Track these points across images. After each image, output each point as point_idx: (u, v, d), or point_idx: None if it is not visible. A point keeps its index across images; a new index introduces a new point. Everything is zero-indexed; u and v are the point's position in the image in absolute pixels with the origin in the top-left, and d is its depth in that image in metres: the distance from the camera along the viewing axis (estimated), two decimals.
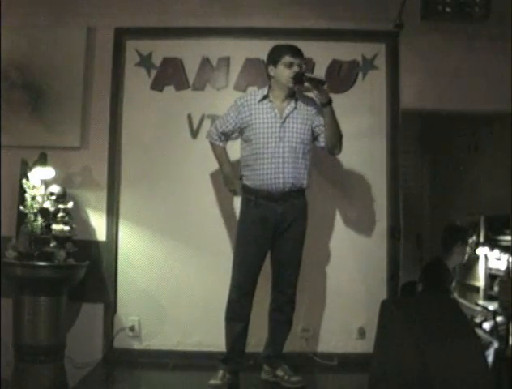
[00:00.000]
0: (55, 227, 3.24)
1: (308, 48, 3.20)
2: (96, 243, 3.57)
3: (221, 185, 3.34)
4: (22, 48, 3.60)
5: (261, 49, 3.35)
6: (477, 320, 3.67)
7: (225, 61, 3.65)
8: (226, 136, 3.13)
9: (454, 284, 4.03)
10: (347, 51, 3.65)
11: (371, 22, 3.63)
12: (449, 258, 3.94)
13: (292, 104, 3.00)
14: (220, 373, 2.95)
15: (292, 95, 3.01)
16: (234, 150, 3.20)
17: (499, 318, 3.45)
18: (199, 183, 3.60)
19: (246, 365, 3.11)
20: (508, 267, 3.91)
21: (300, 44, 3.02)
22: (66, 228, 3.26)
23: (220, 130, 3.11)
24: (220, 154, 3.16)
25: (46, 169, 3.32)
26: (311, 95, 3.03)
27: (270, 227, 2.96)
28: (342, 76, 3.64)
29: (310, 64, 3.57)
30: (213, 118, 3.51)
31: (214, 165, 3.41)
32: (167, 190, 3.61)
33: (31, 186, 3.26)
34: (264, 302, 3.09)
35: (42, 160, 3.33)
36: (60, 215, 3.26)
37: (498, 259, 4.20)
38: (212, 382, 2.91)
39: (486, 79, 3.62)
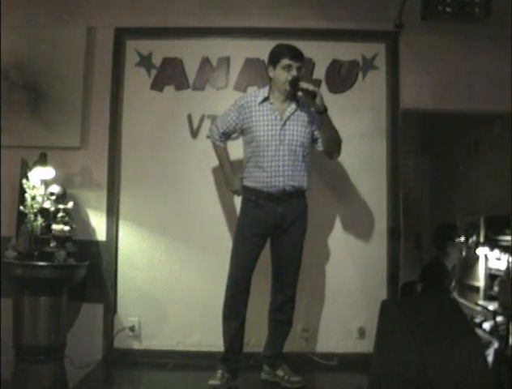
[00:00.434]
0: (55, 227, 3.24)
1: (308, 48, 3.20)
2: (96, 243, 3.57)
3: (221, 185, 3.34)
4: (22, 48, 3.60)
5: (261, 49, 3.35)
6: (477, 320, 3.67)
7: (225, 61, 3.65)
8: (226, 136, 3.13)
9: (453, 283, 4.04)
10: (347, 51, 3.65)
11: (371, 22, 3.62)
12: (443, 257, 3.95)
13: (293, 106, 2.99)
14: (219, 372, 2.94)
15: (293, 96, 2.99)
16: (234, 150, 3.20)
17: (499, 318, 3.45)
18: (199, 183, 3.60)
19: (246, 365, 3.11)
20: (508, 267, 3.91)
21: (301, 45, 3.01)
22: (66, 228, 3.26)
23: (221, 130, 3.10)
24: (221, 154, 3.15)
25: (46, 169, 3.32)
26: None
27: (269, 227, 2.96)
28: (342, 76, 3.64)
29: (310, 64, 3.57)
30: (213, 118, 3.51)
31: (214, 165, 3.41)
32: (167, 190, 3.61)
33: (31, 186, 3.26)
34: (264, 302, 3.09)
35: (42, 160, 3.33)
36: (60, 215, 3.27)
37: (498, 259, 4.19)
38: (211, 382, 2.91)
39: (486, 79, 3.62)
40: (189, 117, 3.63)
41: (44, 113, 3.59)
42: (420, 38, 3.63)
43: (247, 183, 3.02)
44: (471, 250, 4.51)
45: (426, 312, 2.53)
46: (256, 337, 3.26)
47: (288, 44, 2.99)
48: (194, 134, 3.63)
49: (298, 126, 2.98)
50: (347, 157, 3.50)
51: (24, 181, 3.27)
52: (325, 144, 3.03)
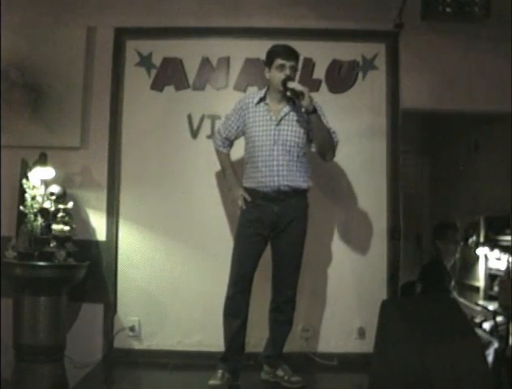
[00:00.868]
0: (55, 227, 3.24)
1: (308, 48, 3.20)
2: (96, 243, 3.57)
3: (221, 185, 3.33)
4: (22, 48, 3.60)
5: (261, 49, 3.33)
6: (477, 320, 3.67)
7: (225, 61, 3.65)
8: (230, 141, 3.13)
9: (453, 283, 4.04)
10: (347, 51, 3.65)
11: (371, 22, 3.63)
12: (443, 257, 3.95)
13: (288, 106, 2.99)
14: (220, 372, 2.94)
15: (289, 97, 2.98)
16: (234, 150, 3.20)
17: (499, 318, 3.46)
18: (199, 183, 3.60)
19: (246, 365, 3.10)
20: (508, 267, 3.91)
21: (300, 45, 3.01)
22: (66, 228, 3.26)
23: (224, 136, 3.11)
24: (224, 160, 3.16)
25: (46, 169, 3.32)
26: None
27: (267, 226, 2.97)
28: (342, 76, 3.64)
29: (310, 64, 3.57)
30: (213, 118, 3.52)
31: (214, 165, 3.41)
32: (167, 190, 3.61)
33: (31, 186, 3.26)
34: (264, 302, 3.09)
35: (42, 160, 3.33)
36: (60, 215, 3.27)
37: (498, 259, 4.20)
38: (212, 382, 2.90)
39: (486, 79, 3.62)
40: (189, 117, 3.63)
41: (44, 113, 3.59)
42: (420, 38, 3.63)
43: (245, 184, 3.03)
44: (471, 250, 4.51)
45: (426, 312, 2.54)
46: (256, 337, 3.26)
47: (282, 44, 2.99)
48: (194, 134, 3.63)
49: (293, 127, 2.97)
50: (347, 157, 3.51)
51: (24, 181, 3.27)
52: (317, 145, 3.03)
